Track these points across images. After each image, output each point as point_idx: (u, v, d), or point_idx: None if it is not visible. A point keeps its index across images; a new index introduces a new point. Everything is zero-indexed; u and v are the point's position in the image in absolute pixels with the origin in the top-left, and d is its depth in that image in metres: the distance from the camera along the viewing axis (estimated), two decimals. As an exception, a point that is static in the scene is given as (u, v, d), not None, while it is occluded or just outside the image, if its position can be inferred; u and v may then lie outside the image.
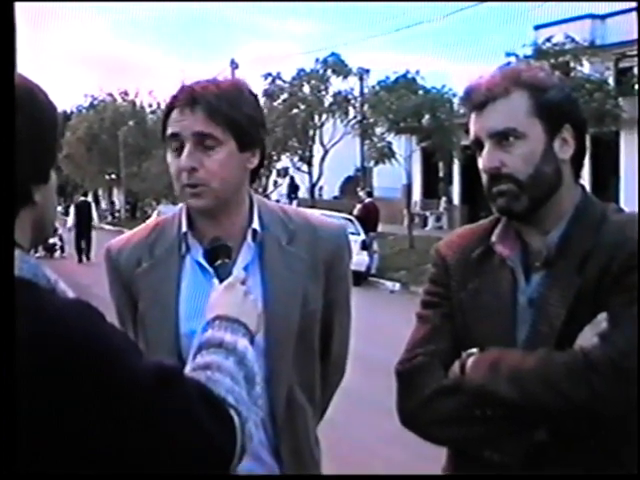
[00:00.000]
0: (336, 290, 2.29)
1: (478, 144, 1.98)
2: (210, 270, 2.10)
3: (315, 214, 2.43)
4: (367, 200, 23.68)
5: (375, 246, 22.79)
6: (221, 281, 1.87)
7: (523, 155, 1.93)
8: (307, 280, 2.21)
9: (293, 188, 38.95)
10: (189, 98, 2.09)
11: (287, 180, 38.00)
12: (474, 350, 1.93)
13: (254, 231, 2.19)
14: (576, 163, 2.01)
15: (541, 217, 1.97)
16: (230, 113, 2.09)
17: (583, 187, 2.04)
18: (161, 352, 2.08)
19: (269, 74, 33.56)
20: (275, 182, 36.60)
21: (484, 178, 1.98)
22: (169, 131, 2.13)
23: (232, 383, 1.57)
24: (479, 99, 1.96)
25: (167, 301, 2.17)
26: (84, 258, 25.45)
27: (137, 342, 2.14)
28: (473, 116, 1.98)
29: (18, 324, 1.29)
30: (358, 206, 23.83)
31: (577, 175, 2.03)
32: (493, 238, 2.03)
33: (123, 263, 2.25)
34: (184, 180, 2.11)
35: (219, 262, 1.94)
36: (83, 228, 26.27)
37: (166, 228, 2.26)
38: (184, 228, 2.21)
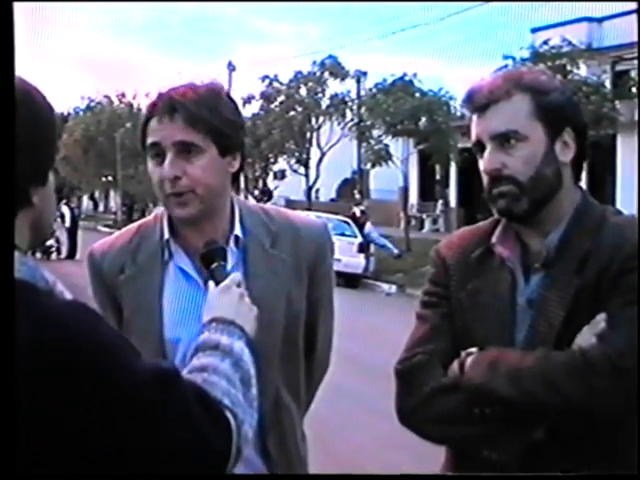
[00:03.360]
0: (320, 289, 2.29)
1: (479, 146, 1.98)
2: (194, 276, 2.12)
3: (297, 213, 2.42)
4: (358, 211, 23.69)
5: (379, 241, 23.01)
6: (217, 283, 1.88)
7: (524, 157, 1.94)
8: (291, 282, 2.21)
9: (265, 192, 39.15)
10: (168, 106, 2.07)
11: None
12: (473, 349, 1.94)
13: (236, 237, 2.18)
14: (576, 166, 2.02)
15: (541, 219, 1.98)
16: (210, 119, 2.07)
17: (583, 190, 2.05)
18: (146, 358, 2.07)
19: (266, 76, 33.64)
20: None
21: (485, 180, 1.98)
22: (149, 140, 2.10)
23: (228, 385, 1.57)
24: (481, 101, 1.96)
25: (151, 308, 2.16)
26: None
27: None
28: (475, 118, 1.99)
29: (18, 326, 1.30)
30: (352, 211, 23.88)
31: (577, 178, 2.04)
32: (493, 239, 2.04)
33: (106, 269, 2.23)
34: (168, 189, 2.09)
35: (215, 265, 1.94)
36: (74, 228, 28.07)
37: (148, 233, 2.24)
38: (166, 235, 2.19)
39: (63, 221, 28.10)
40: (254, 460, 2.15)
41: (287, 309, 2.18)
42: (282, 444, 2.19)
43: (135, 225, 2.33)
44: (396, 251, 23.02)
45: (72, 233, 27.92)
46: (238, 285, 1.85)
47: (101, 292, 2.26)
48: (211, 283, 1.90)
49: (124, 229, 2.34)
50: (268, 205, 2.43)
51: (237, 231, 2.19)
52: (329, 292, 2.35)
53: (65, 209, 28.89)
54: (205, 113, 2.06)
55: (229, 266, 2.11)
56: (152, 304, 2.16)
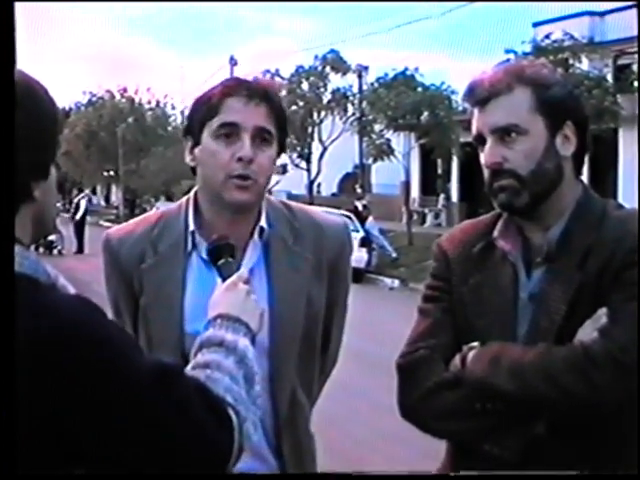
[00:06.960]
0: (337, 289, 2.28)
1: (480, 140, 1.98)
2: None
3: (318, 211, 2.41)
4: (360, 206, 23.70)
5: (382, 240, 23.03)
6: (224, 280, 1.86)
7: (525, 151, 1.94)
8: (311, 281, 2.20)
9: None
10: (258, 92, 2.11)
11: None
12: (475, 344, 1.94)
13: (261, 229, 2.18)
14: (577, 160, 2.02)
15: (542, 213, 1.97)
16: (283, 114, 2.17)
17: (584, 183, 2.04)
18: (165, 351, 2.06)
19: (268, 71, 33.51)
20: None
21: (486, 173, 1.98)
22: (226, 119, 2.09)
23: (231, 382, 1.56)
24: (482, 95, 1.96)
25: (172, 300, 2.14)
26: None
27: (136, 337, 2.13)
28: (476, 112, 1.99)
29: (18, 320, 1.29)
30: (354, 205, 23.90)
31: (578, 171, 2.03)
32: (495, 233, 2.04)
33: (124, 256, 2.21)
34: (237, 170, 2.08)
35: (222, 261, 1.93)
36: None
37: (171, 223, 2.22)
38: (191, 227, 2.17)
39: (75, 214, 28.12)
40: (268, 458, 2.15)
41: (307, 308, 2.17)
42: (296, 443, 2.19)
43: (156, 213, 2.32)
44: (394, 254, 22.99)
45: (80, 228, 27.89)
46: (245, 282, 1.84)
47: (116, 278, 2.24)
48: (218, 279, 1.90)
49: (142, 217, 2.33)
50: (290, 201, 2.41)
51: (263, 222, 2.19)
52: (345, 292, 2.35)
53: (83, 202, 28.91)
54: (282, 107, 2.18)
55: (252, 261, 2.13)
56: (174, 296, 2.14)
